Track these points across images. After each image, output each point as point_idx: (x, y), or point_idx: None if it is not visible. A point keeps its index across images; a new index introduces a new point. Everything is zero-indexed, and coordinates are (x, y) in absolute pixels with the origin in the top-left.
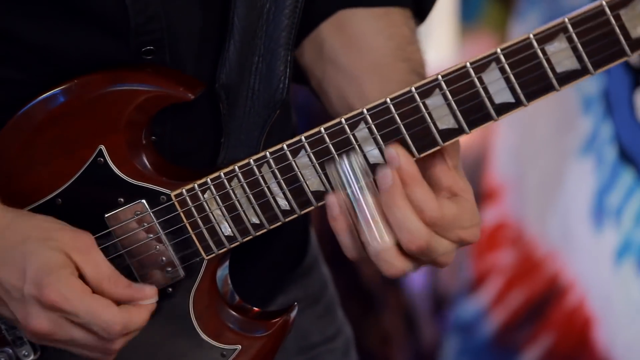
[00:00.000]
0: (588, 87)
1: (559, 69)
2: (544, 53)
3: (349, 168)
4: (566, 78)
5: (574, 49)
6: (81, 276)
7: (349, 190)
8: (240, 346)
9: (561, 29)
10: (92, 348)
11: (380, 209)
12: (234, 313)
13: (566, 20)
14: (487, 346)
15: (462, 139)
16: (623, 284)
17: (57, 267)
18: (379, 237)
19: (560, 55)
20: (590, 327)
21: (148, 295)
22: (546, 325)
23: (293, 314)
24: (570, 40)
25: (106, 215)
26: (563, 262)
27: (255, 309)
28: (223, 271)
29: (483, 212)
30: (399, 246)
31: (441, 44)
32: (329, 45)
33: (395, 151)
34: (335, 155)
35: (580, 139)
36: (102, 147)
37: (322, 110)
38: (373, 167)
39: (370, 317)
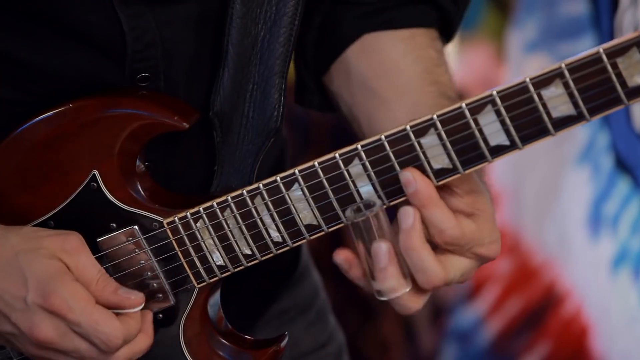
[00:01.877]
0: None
1: (554, 114)
2: (540, 98)
3: (361, 220)
4: (562, 123)
5: (570, 95)
6: None
7: (362, 242)
8: None
9: (558, 75)
10: None
11: (393, 255)
12: (224, 341)
13: (563, 65)
14: (484, 354)
15: None
16: (619, 292)
17: (58, 274)
18: (395, 286)
19: (557, 100)
20: (587, 336)
21: (134, 303)
22: (543, 334)
23: (283, 343)
24: (566, 86)
25: (98, 240)
26: (560, 271)
27: (247, 337)
28: (214, 299)
29: None
30: (413, 289)
31: None
32: (356, 70)
33: (411, 175)
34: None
35: (577, 147)
36: (96, 172)
37: (319, 122)
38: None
39: (369, 325)
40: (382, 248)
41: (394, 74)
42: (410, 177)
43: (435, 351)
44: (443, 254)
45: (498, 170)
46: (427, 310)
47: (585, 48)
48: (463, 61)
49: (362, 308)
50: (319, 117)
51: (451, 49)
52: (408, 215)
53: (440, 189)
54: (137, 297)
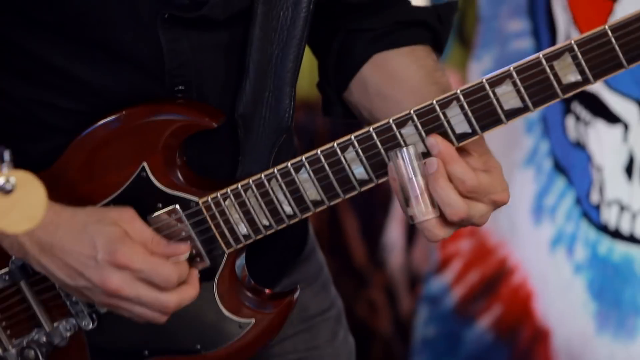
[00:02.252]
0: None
1: (506, 107)
2: (494, 94)
3: (405, 156)
4: (512, 114)
5: (518, 91)
6: None
7: (404, 173)
8: (254, 320)
9: (507, 76)
10: (152, 305)
11: (425, 189)
12: (249, 294)
13: (511, 69)
14: (450, 315)
15: None
16: (556, 266)
17: (119, 237)
18: (424, 212)
19: (507, 96)
20: (531, 300)
21: (183, 250)
22: (496, 299)
23: (296, 295)
24: (515, 84)
25: (148, 217)
26: (510, 249)
27: (267, 290)
28: (241, 261)
29: None
30: (440, 219)
31: None
32: (371, 83)
33: (434, 140)
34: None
35: (524, 153)
36: (145, 164)
37: (322, 132)
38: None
39: (360, 292)
40: (416, 180)
41: (403, 80)
42: (434, 141)
43: (412, 312)
44: (465, 200)
45: None
46: (405, 279)
47: None
48: None
49: (354, 278)
50: (322, 128)
51: None
52: (433, 163)
53: (460, 152)
54: (185, 246)
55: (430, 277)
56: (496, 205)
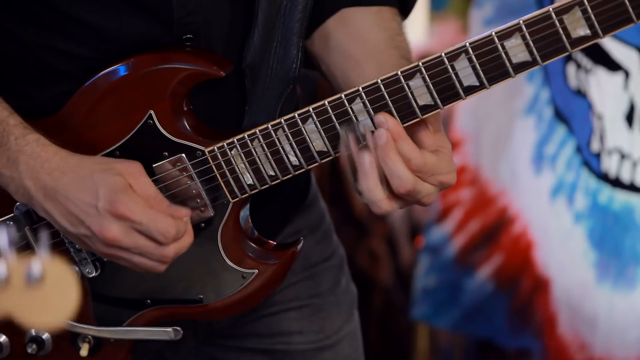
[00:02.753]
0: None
1: (514, 60)
2: (503, 47)
3: (358, 130)
4: (520, 67)
5: (527, 45)
6: None
7: (353, 149)
8: (257, 270)
9: (517, 29)
10: (151, 255)
11: (373, 165)
12: (253, 245)
13: (521, 22)
14: (451, 264)
15: None
16: (556, 215)
17: (122, 188)
18: (372, 186)
19: (516, 49)
20: (531, 249)
21: (183, 214)
22: (497, 248)
23: (299, 246)
24: (524, 37)
25: (154, 165)
26: (510, 198)
27: (271, 242)
28: (245, 212)
29: None
30: (387, 192)
31: (415, 28)
32: (334, 37)
33: (383, 117)
34: (337, 124)
35: (525, 101)
36: (152, 111)
37: (324, 83)
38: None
39: (361, 241)
40: (365, 157)
41: (365, 40)
42: (382, 119)
43: (413, 262)
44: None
45: (462, 118)
46: (406, 229)
47: None
48: (436, 34)
49: (355, 227)
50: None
51: (426, 26)
52: (382, 135)
53: (415, 127)
54: (186, 210)
55: (430, 227)
56: (442, 186)
